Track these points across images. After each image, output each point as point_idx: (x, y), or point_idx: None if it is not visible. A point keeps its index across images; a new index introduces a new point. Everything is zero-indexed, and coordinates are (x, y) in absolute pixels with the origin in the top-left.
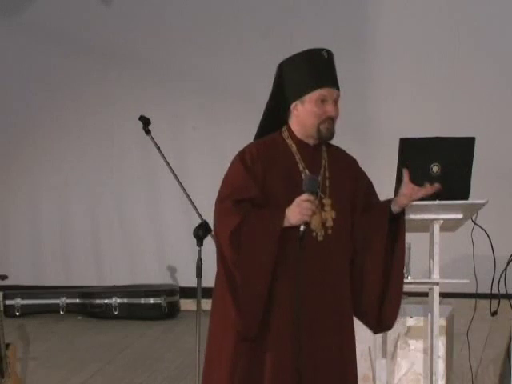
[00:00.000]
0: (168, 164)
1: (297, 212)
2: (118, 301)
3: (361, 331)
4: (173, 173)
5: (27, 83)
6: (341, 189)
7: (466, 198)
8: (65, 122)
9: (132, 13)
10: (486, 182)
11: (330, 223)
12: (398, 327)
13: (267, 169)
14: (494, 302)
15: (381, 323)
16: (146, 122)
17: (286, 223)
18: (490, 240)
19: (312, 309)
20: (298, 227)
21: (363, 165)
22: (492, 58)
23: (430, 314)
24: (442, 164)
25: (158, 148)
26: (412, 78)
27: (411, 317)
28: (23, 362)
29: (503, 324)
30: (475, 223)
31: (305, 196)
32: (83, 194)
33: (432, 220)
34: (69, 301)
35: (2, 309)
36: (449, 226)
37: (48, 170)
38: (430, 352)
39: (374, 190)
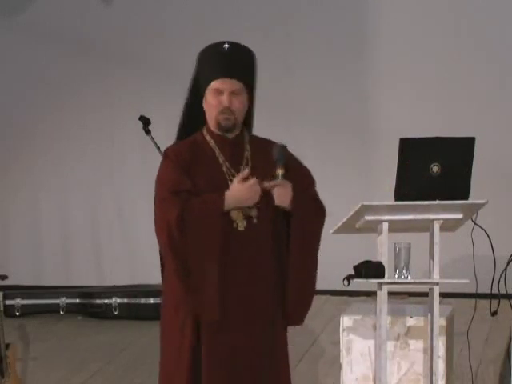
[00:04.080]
0: None
1: (249, 194)
2: (118, 301)
3: (361, 331)
4: None
5: (27, 83)
6: (265, 178)
7: (466, 198)
8: (65, 122)
9: (132, 13)
10: (486, 182)
11: (254, 213)
12: (398, 327)
13: (190, 166)
14: (494, 302)
15: (286, 317)
16: (146, 122)
17: (230, 206)
18: (490, 240)
19: (237, 301)
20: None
21: (363, 165)
22: (492, 58)
23: (429, 314)
24: (442, 164)
25: (158, 148)
26: (412, 78)
27: (411, 317)
28: (23, 362)
29: (503, 324)
30: (475, 223)
31: (253, 180)
32: (83, 194)
33: (432, 220)
34: (69, 301)
35: (2, 309)
36: (449, 226)
37: (48, 170)
38: (430, 352)
39: (302, 179)
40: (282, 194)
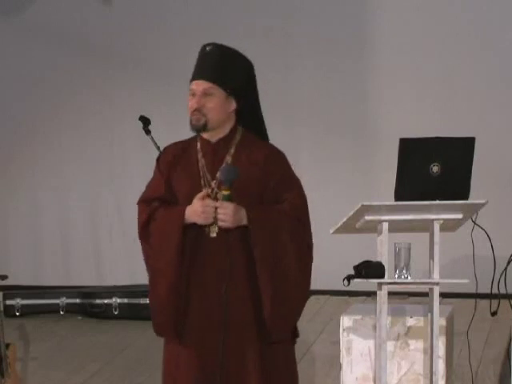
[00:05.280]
0: None
1: (201, 215)
2: (118, 301)
3: (361, 331)
4: None
5: (27, 83)
6: (244, 184)
7: (466, 198)
8: (65, 122)
9: (132, 13)
10: (486, 182)
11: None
12: (398, 327)
13: (173, 168)
14: (494, 302)
15: (267, 329)
16: (145, 122)
17: (189, 220)
18: (490, 240)
19: (205, 308)
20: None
21: (363, 165)
22: (492, 57)
23: (429, 314)
24: (441, 164)
25: (158, 148)
26: (412, 78)
27: (411, 317)
28: (23, 362)
29: (503, 324)
30: (475, 223)
31: (208, 201)
32: (83, 194)
33: (432, 220)
34: (69, 301)
35: (2, 309)
36: (449, 226)
37: (48, 170)
38: (430, 352)
39: (286, 185)
40: (222, 216)
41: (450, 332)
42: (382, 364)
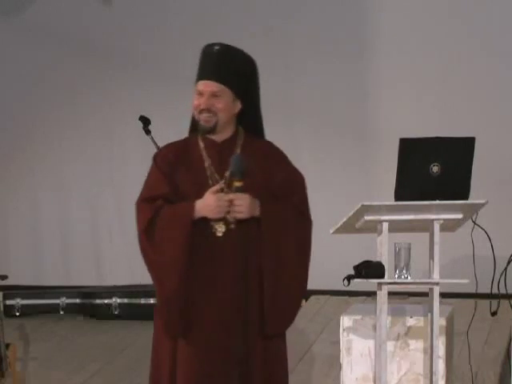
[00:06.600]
0: None
1: (214, 210)
2: (118, 301)
3: (361, 331)
4: None
5: (27, 83)
6: (249, 184)
7: (466, 197)
8: (65, 122)
9: (132, 13)
10: (486, 181)
11: (232, 219)
12: (398, 327)
13: (175, 167)
14: (494, 302)
15: (264, 324)
16: (145, 122)
17: (198, 215)
18: (490, 240)
19: (210, 306)
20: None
21: (363, 165)
22: (492, 57)
23: (430, 314)
24: (441, 164)
25: (158, 148)
26: (412, 78)
27: (411, 317)
28: (23, 362)
29: (503, 324)
30: (475, 223)
31: (221, 195)
32: (83, 193)
33: (432, 220)
34: (69, 301)
35: (2, 309)
36: (449, 226)
37: (48, 169)
38: (430, 352)
39: (289, 185)
40: (239, 207)
41: (450, 332)
42: (382, 364)
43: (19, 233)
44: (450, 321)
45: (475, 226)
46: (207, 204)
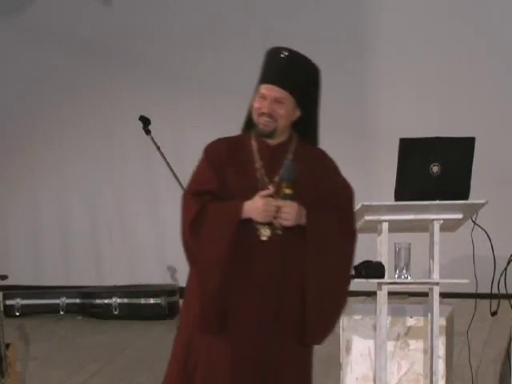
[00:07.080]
0: (168, 164)
1: (261, 213)
2: (118, 301)
3: (361, 331)
4: (173, 173)
5: (27, 83)
6: (300, 189)
7: (466, 198)
8: (65, 122)
9: (132, 13)
10: (486, 181)
11: (278, 223)
12: (398, 327)
13: (226, 164)
14: (494, 302)
15: (304, 334)
16: (145, 122)
17: (246, 216)
18: (490, 240)
19: (248, 311)
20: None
21: (363, 165)
22: (492, 57)
23: (430, 314)
24: (441, 164)
25: (158, 148)
26: (412, 78)
27: (411, 317)
28: (23, 362)
29: (503, 324)
30: (475, 223)
31: (270, 199)
32: (83, 194)
33: (432, 220)
34: (69, 301)
35: (2, 309)
36: (449, 226)
37: (48, 169)
38: (430, 352)
39: (337, 197)
40: (286, 215)
41: (450, 332)
42: (382, 364)
43: (19, 233)
44: (450, 321)
45: (475, 225)
46: (256, 207)
